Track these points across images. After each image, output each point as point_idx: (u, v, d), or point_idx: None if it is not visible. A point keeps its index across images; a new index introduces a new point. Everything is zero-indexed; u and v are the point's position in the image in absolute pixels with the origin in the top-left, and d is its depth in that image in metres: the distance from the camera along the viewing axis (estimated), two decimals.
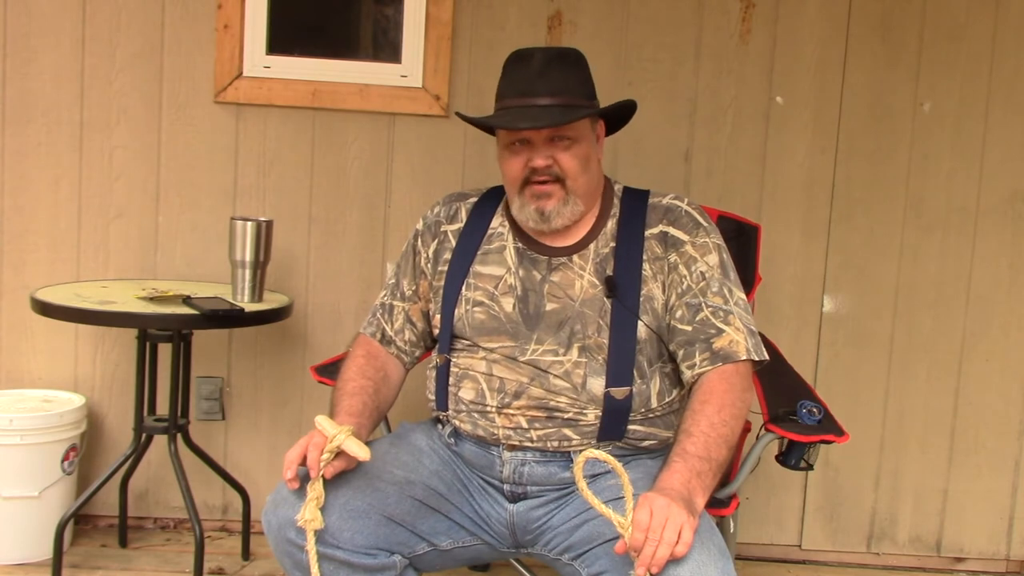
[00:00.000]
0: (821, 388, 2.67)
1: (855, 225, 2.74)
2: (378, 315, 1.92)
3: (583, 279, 1.77)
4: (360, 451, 1.58)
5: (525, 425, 1.73)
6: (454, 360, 1.81)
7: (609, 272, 1.76)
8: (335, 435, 1.58)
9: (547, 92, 1.74)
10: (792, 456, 1.84)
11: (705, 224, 1.80)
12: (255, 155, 2.71)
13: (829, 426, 1.84)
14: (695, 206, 1.83)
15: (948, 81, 2.70)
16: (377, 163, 2.72)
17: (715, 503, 1.77)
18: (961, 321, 2.77)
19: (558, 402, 1.72)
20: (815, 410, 1.84)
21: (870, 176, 2.73)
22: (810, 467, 1.85)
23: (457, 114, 1.90)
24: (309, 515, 1.58)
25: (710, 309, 1.72)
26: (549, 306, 1.76)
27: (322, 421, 1.62)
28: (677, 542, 1.40)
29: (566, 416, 1.72)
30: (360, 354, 1.87)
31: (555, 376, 1.73)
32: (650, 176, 2.64)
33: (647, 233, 1.79)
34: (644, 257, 1.76)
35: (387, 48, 2.76)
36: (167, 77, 2.68)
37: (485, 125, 1.84)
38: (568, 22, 2.67)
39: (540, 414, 1.72)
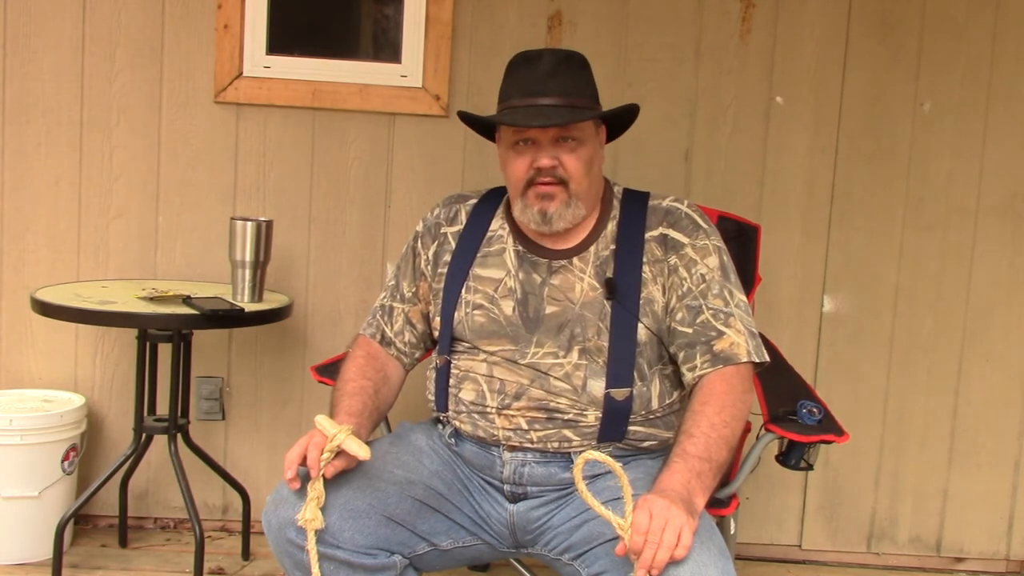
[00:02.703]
0: (821, 388, 2.67)
1: (855, 225, 2.74)
2: (378, 316, 1.93)
3: (583, 282, 1.77)
4: (360, 450, 1.58)
5: (525, 426, 1.73)
6: (454, 362, 1.81)
7: (609, 274, 1.76)
8: (335, 434, 1.58)
9: (556, 92, 1.74)
10: (792, 456, 1.84)
11: (705, 226, 1.80)
12: (255, 155, 2.71)
13: (829, 426, 1.84)
14: (695, 208, 1.83)
15: (948, 81, 2.70)
16: (377, 163, 2.72)
17: (715, 503, 1.77)
18: (961, 321, 2.77)
19: (558, 403, 1.72)
20: (815, 410, 1.84)
21: (870, 176, 2.73)
22: (810, 467, 1.85)
23: (460, 113, 1.88)
24: (310, 515, 1.58)
25: (711, 311, 1.72)
26: (549, 309, 1.76)
27: (322, 420, 1.62)
28: (677, 545, 1.41)
29: (566, 417, 1.72)
30: (360, 355, 1.87)
31: (555, 378, 1.73)
32: (650, 176, 2.64)
33: (647, 235, 1.78)
34: (644, 260, 1.76)
35: (387, 48, 2.76)
36: (167, 77, 2.68)
37: (490, 124, 1.84)
38: (568, 22, 2.67)
39: (540, 415, 1.72)
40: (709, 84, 2.70)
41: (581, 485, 1.45)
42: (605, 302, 1.74)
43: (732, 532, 2.03)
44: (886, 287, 2.76)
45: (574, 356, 1.73)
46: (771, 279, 2.62)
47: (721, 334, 1.70)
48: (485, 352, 1.77)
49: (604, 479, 1.69)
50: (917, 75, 2.70)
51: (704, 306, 1.72)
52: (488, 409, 1.75)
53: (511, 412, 1.73)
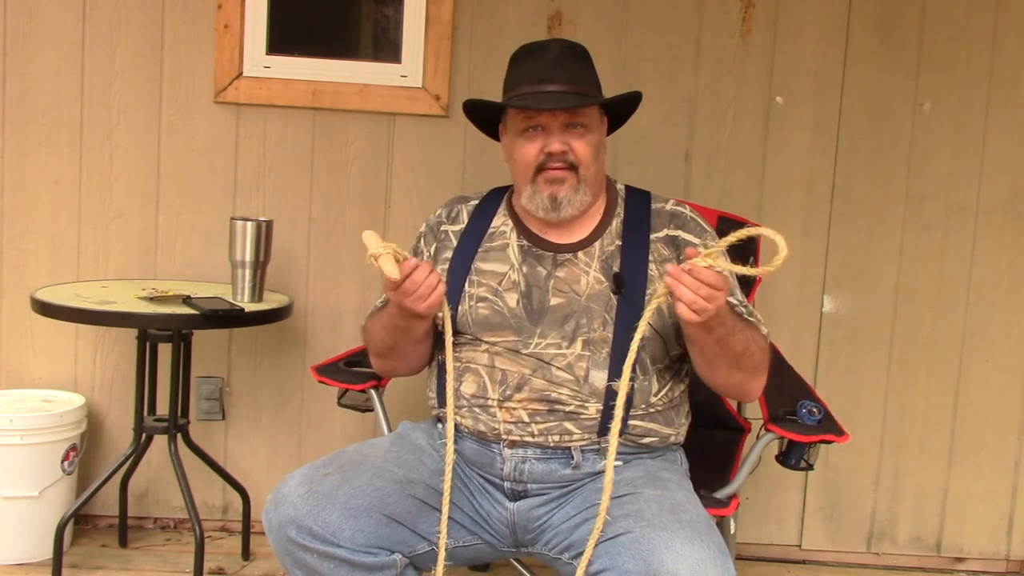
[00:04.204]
0: (821, 388, 2.67)
1: (855, 225, 2.74)
2: (381, 303, 1.93)
3: (589, 275, 1.78)
4: (392, 271, 1.59)
5: (526, 419, 1.73)
6: (456, 355, 1.81)
7: (616, 269, 1.77)
8: (375, 252, 1.60)
9: (564, 79, 1.78)
10: (792, 456, 1.85)
11: (710, 230, 1.86)
12: (255, 155, 2.71)
13: (829, 426, 1.84)
14: (697, 212, 1.89)
15: (948, 81, 2.70)
16: (377, 163, 2.72)
17: (715, 503, 1.77)
18: (961, 321, 2.77)
19: (560, 394, 1.73)
20: (815, 410, 1.85)
21: (870, 176, 2.73)
22: (810, 467, 1.85)
23: (467, 102, 1.90)
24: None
25: (739, 308, 1.76)
26: (554, 301, 1.78)
27: (368, 237, 1.64)
28: (698, 305, 1.49)
29: (567, 409, 1.72)
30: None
31: (557, 368, 1.73)
32: (650, 176, 2.64)
33: (653, 236, 1.81)
34: (650, 259, 1.79)
35: (387, 48, 2.76)
36: (167, 77, 2.68)
37: (492, 120, 1.88)
38: (568, 22, 2.67)
39: (541, 407, 1.73)
40: (709, 84, 2.70)
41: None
42: (611, 295, 1.75)
43: (732, 532, 2.03)
44: (886, 287, 2.76)
45: (577, 347, 1.74)
46: (771, 279, 2.61)
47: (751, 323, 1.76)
48: (487, 343, 1.78)
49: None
50: (917, 75, 2.70)
51: (733, 300, 1.76)
52: (489, 402, 1.75)
53: (512, 404, 1.74)
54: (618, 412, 1.57)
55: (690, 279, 1.49)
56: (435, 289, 1.65)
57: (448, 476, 1.70)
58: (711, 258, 1.49)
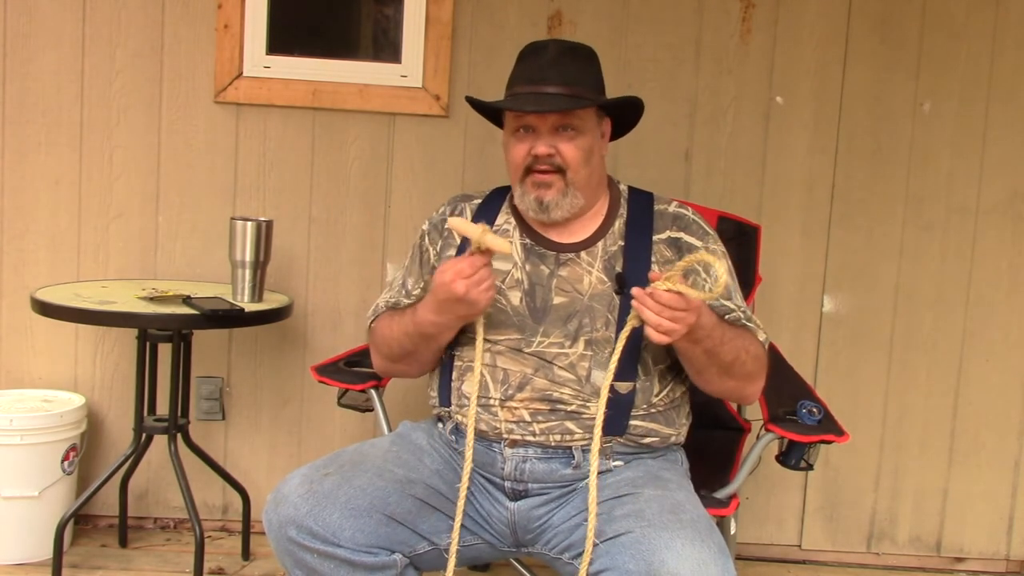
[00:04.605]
0: (821, 388, 2.67)
1: (855, 225, 2.74)
2: (386, 304, 1.92)
3: (591, 275, 1.78)
4: (502, 244, 1.62)
5: (528, 419, 1.73)
6: (458, 354, 1.82)
7: (619, 269, 1.78)
8: (483, 232, 1.61)
9: (557, 81, 1.77)
10: (792, 456, 1.85)
11: (712, 233, 1.86)
12: (255, 155, 2.71)
13: (829, 426, 1.84)
14: (699, 214, 1.89)
15: (948, 81, 2.70)
16: (377, 163, 2.72)
17: (715, 503, 1.78)
18: (961, 321, 2.77)
19: (561, 394, 1.73)
20: (815, 410, 1.85)
21: (870, 176, 2.73)
22: (810, 467, 1.85)
23: (467, 98, 1.91)
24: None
25: (739, 311, 1.78)
26: (557, 300, 1.78)
27: (462, 224, 1.67)
28: (663, 328, 1.55)
29: (569, 409, 1.72)
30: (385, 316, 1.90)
31: (560, 367, 1.74)
32: (650, 176, 2.64)
33: (655, 238, 1.82)
34: (653, 259, 1.79)
35: (387, 48, 2.76)
36: (167, 77, 2.68)
37: (492, 110, 1.88)
38: (568, 22, 2.67)
39: (543, 407, 1.73)
40: (709, 84, 2.70)
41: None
42: (614, 295, 1.76)
43: (732, 532, 2.04)
44: (886, 287, 2.76)
45: (580, 346, 1.74)
46: (771, 279, 2.61)
47: (748, 329, 1.78)
48: (489, 341, 1.78)
49: (605, 477, 1.70)
50: (917, 75, 2.70)
51: (731, 306, 1.78)
52: (491, 401, 1.75)
53: (514, 404, 1.74)
54: (601, 407, 1.63)
55: (652, 302, 1.54)
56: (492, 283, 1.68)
57: (465, 481, 1.70)
58: (670, 281, 1.53)
